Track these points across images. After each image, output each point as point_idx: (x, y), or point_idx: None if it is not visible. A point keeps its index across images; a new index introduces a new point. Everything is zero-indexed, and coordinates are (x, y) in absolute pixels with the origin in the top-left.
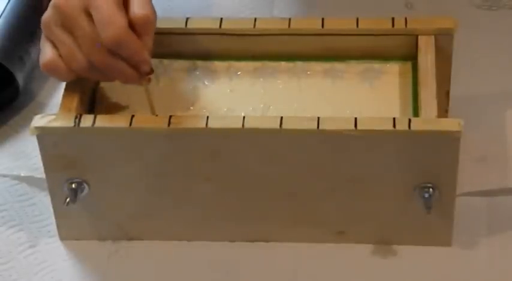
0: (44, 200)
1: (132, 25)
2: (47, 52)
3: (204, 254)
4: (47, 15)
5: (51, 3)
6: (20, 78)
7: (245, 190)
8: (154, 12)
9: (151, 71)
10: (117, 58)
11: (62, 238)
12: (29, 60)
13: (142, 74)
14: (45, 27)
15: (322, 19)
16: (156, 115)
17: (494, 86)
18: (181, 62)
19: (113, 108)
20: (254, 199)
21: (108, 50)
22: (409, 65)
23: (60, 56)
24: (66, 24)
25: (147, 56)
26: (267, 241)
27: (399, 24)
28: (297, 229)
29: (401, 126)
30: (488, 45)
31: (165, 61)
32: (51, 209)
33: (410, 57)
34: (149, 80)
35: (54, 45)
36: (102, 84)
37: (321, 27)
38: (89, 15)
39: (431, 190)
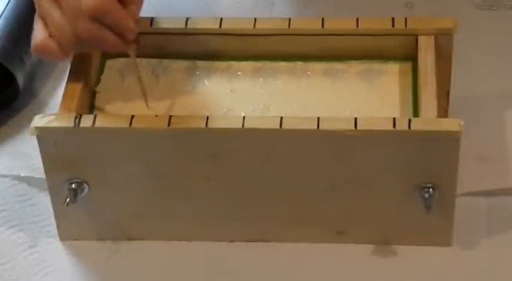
0: (44, 200)
1: None
2: (37, 34)
3: (204, 254)
4: None
5: None
6: (20, 78)
7: (245, 190)
8: None
9: (137, 39)
10: (101, 26)
11: (62, 238)
12: (29, 60)
13: (127, 42)
14: (37, 3)
15: (322, 19)
16: (147, 105)
17: (494, 86)
18: (181, 62)
19: (113, 108)
20: (254, 199)
21: (92, 19)
22: (409, 65)
23: (50, 36)
24: None
25: (131, 24)
26: (267, 241)
27: (399, 24)
28: (297, 229)
29: (401, 126)
30: (488, 45)
31: (165, 61)
32: (51, 209)
33: (410, 57)
34: (135, 48)
35: (45, 23)
36: (102, 84)
37: (321, 27)
38: None
39: (431, 190)
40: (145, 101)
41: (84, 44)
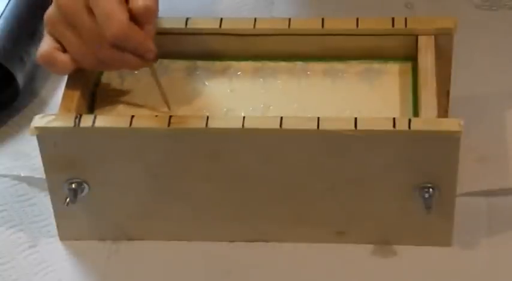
0: (44, 200)
1: (133, 16)
2: (44, 45)
3: (204, 254)
4: (50, 13)
5: (54, 1)
6: (20, 78)
7: (245, 190)
8: (155, 1)
9: (156, 57)
10: (122, 51)
11: (62, 238)
12: (29, 60)
13: (147, 62)
14: (49, 25)
15: (322, 19)
16: (168, 106)
17: (494, 86)
18: (181, 62)
19: (113, 108)
20: (254, 199)
21: (114, 44)
22: (409, 65)
23: (57, 49)
24: (70, 22)
25: (151, 45)
26: (267, 241)
27: (399, 24)
28: (297, 229)
29: (401, 126)
30: (488, 45)
31: (165, 61)
32: (51, 209)
33: (410, 57)
34: (155, 61)
35: (58, 41)
36: (102, 84)
37: (321, 27)
38: (91, 11)
39: (431, 190)
40: (168, 105)
41: (106, 66)
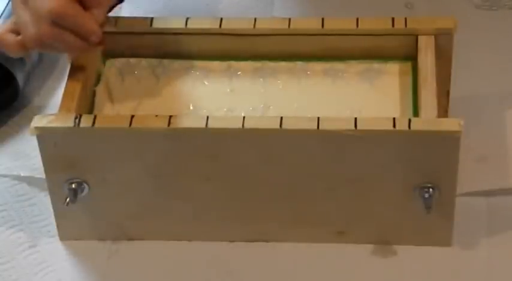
0: (44, 200)
1: None
2: (1, 26)
3: (204, 254)
4: None
5: None
6: (20, 78)
7: (245, 190)
8: None
9: (102, 41)
10: (62, 30)
11: (62, 238)
12: (29, 60)
13: (93, 45)
14: (12, 4)
15: (322, 19)
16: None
17: (494, 86)
18: (181, 62)
19: (113, 108)
20: (254, 199)
21: (53, 22)
22: (409, 65)
23: (11, 31)
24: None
25: (94, 27)
26: (267, 241)
27: (399, 24)
28: (297, 229)
29: (401, 126)
30: (488, 45)
31: (165, 61)
32: (51, 209)
33: (410, 57)
34: (100, 45)
35: (16, 22)
36: (102, 84)
37: (321, 27)
38: None
39: (431, 190)
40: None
41: (48, 46)
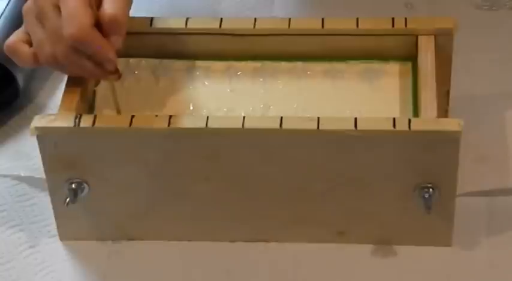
0: (44, 200)
1: (100, 24)
2: (13, 35)
3: (204, 254)
4: (26, 6)
5: None
6: (20, 78)
7: (245, 190)
8: (124, 13)
9: (117, 70)
10: (80, 55)
11: (62, 238)
12: None
13: (107, 73)
14: (24, 17)
15: (322, 19)
16: (119, 113)
17: (494, 86)
18: (181, 62)
19: (113, 108)
20: (254, 199)
21: (72, 46)
22: (409, 65)
23: (24, 41)
24: (39, 16)
25: (111, 55)
26: (267, 241)
27: (399, 24)
28: (297, 229)
29: (401, 126)
30: (488, 45)
31: (165, 61)
32: (51, 209)
33: (411, 57)
34: (117, 78)
35: (28, 34)
36: (102, 84)
37: (321, 27)
38: (59, 9)
39: (431, 190)
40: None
41: (63, 67)
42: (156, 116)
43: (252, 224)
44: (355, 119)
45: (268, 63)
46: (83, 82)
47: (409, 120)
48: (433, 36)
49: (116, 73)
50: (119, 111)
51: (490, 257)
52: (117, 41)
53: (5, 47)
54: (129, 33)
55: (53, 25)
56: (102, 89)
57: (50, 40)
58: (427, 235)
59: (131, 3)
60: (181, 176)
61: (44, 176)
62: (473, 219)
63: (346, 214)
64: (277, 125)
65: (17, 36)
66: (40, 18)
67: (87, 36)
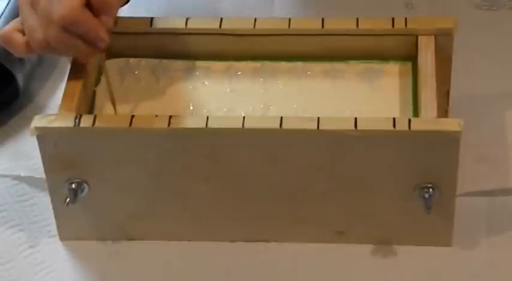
0: (44, 200)
1: (90, 5)
2: (7, 25)
3: (204, 254)
4: None
5: None
6: (20, 78)
7: (245, 190)
8: None
9: (107, 47)
10: (71, 35)
11: (62, 238)
12: (29, 60)
13: (99, 51)
14: (19, 6)
15: (322, 19)
16: (115, 112)
17: (494, 86)
18: (181, 62)
19: (113, 108)
20: (254, 199)
21: (63, 27)
22: (409, 65)
23: (18, 30)
24: (32, 2)
25: (103, 33)
26: (267, 241)
27: (399, 24)
28: (297, 229)
29: (401, 126)
30: (488, 45)
31: (165, 61)
32: (51, 209)
33: (411, 57)
34: (103, 51)
35: (22, 24)
36: (102, 84)
37: (321, 27)
38: None
39: (431, 190)
40: (114, 106)
41: (55, 50)
42: (156, 116)
43: (252, 224)
44: (355, 119)
45: (268, 63)
46: (83, 82)
47: (409, 120)
48: (433, 36)
49: (105, 49)
50: (114, 106)
51: (490, 257)
52: (108, 20)
53: None
54: (129, 33)
55: (44, 9)
56: (102, 89)
57: (41, 25)
58: (427, 235)
59: None
60: (181, 176)
61: (44, 176)
62: (473, 219)
63: (346, 214)
64: (277, 125)
65: (11, 25)
66: (32, 4)
67: (77, 16)
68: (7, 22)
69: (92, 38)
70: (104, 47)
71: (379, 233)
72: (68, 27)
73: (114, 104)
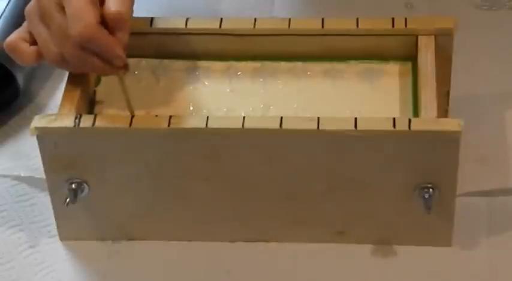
0: (44, 200)
1: (105, 22)
2: (14, 33)
3: (204, 254)
4: (29, 7)
5: None
6: (20, 78)
7: (245, 190)
8: (128, 9)
9: (126, 65)
10: (88, 53)
11: (62, 238)
12: None
13: (116, 68)
14: (27, 18)
15: (322, 19)
16: (132, 112)
17: (494, 86)
18: (181, 62)
19: (113, 108)
20: (254, 199)
21: (80, 45)
22: (409, 65)
23: (24, 39)
24: (43, 17)
25: (119, 51)
26: (267, 241)
27: (399, 24)
28: (297, 229)
29: (401, 126)
30: (488, 45)
31: (165, 61)
32: (51, 209)
33: (411, 57)
34: (124, 72)
35: (30, 34)
36: (102, 84)
37: (321, 27)
38: (63, 9)
39: (431, 190)
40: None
41: (71, 65)
42: (156, 116)
43: (252, 224)
44: (355, 119)
45: (268, 63)
46: (83, 82)
47: (409, 120)
48: (433, 36)
49: (125, 68)
50: (131, 111)
51: (490, 257)
52: (123, 37)
53: (4, 45)
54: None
55: (59, 25)
56: (103, 89)
57: (56, 40)
58: (427, 235)
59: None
60: (181, 176)
61: (44, 176)
62: (473, 219)
63: (346, 214)
64: (277, 125)
65: (17, 34)
66: (44, 18)
67: (94, 34)
68: (7, 22)
69: (108, 56)
70: (120, 64)
71: (379, 233)
72: (84, 45)
73: (130, 107)
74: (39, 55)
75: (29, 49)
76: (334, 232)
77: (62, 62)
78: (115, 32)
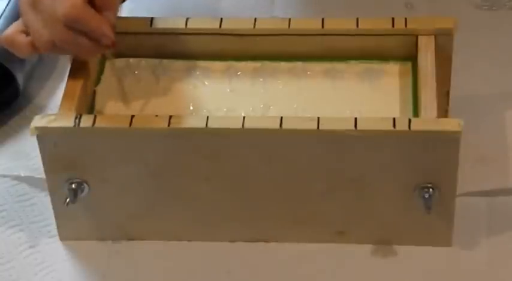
0: (44, 200)
1: (92, 1)
2: (10, 27)
3: (204, 254)
4: None
5: None
6: (20, 78)
7: (245, 190)
8: None
9: (113, 43)
10: (77, 33)
11: (62, 238)
12: (29, 60)
13: (104, 47)
14: (20, 8)
15: (322, 19)
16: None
17: (494, 86)
18: (181, 62)
19: (113, 108)
20: (254, 199)
21: (68, 26)
22: (409, 65)
23: (21, 32)
24: (34, 3)
25: (106, 30)
26: (267, 241)
27: (399, 24)
28: (297, 229)
29: (401, 126)
30: (488, 45)
31: (165, 61)
32: (51, 209)
33: (410, 57)
34: (113, 49)
35: (25, 25)
36: (102, 84)
37: (321, 27)
38: None
39: (431, 190)
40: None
41: (61, 49)
42: (156, 116)
43: (252, 224)
44: (355, 119)
45: (268, 63)
46: (83, 82)
47: (409, 120)
48: (433, 36)
49: (113, 46)
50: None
51: (490, 257)
52: (111, 16)
53: (2, 39)
54: (129, 33)
55: (47, 9)
56: (102, 89)
57: (45, 25)
58: (427, 235)
59: None
60: (181, 176)
61: (44, 176)
62: (473, 219)
63: (346, 214)
64: (277, 125)
65: (14, 27)
66: (34, 5)
67: (80, 13)
68: (7, 22)
69: (96, 35)
70: (108, 43)
71: (379, 233)
72: (72, 25)
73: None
74: (34, 45)
75: (24, 40)
76: (334, 232)
77: (53, 47)
78: (102, 11)
